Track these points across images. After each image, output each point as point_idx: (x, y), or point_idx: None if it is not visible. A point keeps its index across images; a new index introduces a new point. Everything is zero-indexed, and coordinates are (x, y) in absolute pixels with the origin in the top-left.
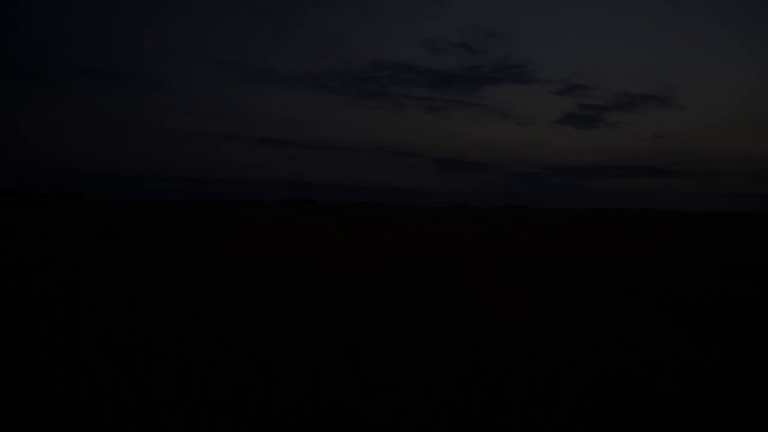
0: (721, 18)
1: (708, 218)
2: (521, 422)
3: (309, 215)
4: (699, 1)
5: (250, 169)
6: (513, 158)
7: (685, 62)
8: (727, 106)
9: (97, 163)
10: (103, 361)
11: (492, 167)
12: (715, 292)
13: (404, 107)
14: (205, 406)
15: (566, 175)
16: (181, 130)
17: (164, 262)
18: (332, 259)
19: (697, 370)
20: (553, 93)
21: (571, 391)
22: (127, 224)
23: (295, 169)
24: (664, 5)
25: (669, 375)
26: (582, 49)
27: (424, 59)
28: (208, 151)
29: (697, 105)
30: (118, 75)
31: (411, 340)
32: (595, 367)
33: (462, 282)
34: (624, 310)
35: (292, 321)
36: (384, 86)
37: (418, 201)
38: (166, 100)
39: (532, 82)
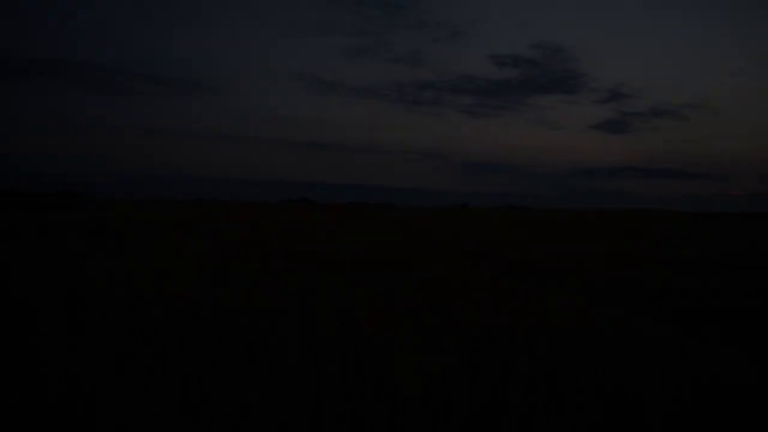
0: (758, 33)
1: (717, 218)
2: (521, 422)
3: (309, 215)
4: (738, 19)
5: (268, 170)
6: (540, 161)
7: (721, 73)
8: (757, 112)
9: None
10: (103, 360)
11: (516, 169)
12: (715, 292)
13: (450, 115)
14: (205, 406)
15: (587, 177)
16: (242, 135)
17: (164, 261)
18: (333, 258)
19: (697, 370)
20: (596, 102)
21: (571, 391)
22: (128, 224)
23: (302, 169)
24: (713, 26)
25: (669, 375)
26: (633, 62)
27: (488, 72)
28: (263, 155)
29: (729, 111)
30: (196, 85)
31: (411, 340)
32: (595, 367)
33: (462, 282)
34: (624, 310)
35: (292, 321)
36: (439, 95)
37: (434, 201)
38: (236, 108)
39: (579, 92)
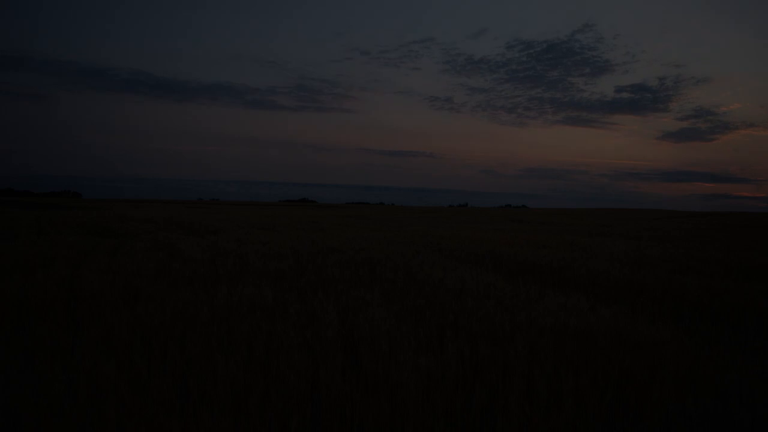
0: None
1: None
2: (521, 422)
3: (310, 213)
4: None
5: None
6: (592, 165)
7: None
8: None
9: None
10: (103, 361)
11: (565, 175)
12: (716, 292)
13: (533, 125)
14: (205, 406)
15: (630, 180)
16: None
17: (165, 261)
18: (333, 258)
19: (697, 370)
20: (674, 119)
21: (571, 391)
22: (128, 223)
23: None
24: None
25: (669, 375)
26: (721, 87)
27: (601, 96)
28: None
29: None
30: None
31: (411, 340)
32: (595, 367)
33: (462, 282)
34: (624, 310)
35: (292, 321)
36: (540, 113)
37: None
38: (358, 122)
39: (668, 110)
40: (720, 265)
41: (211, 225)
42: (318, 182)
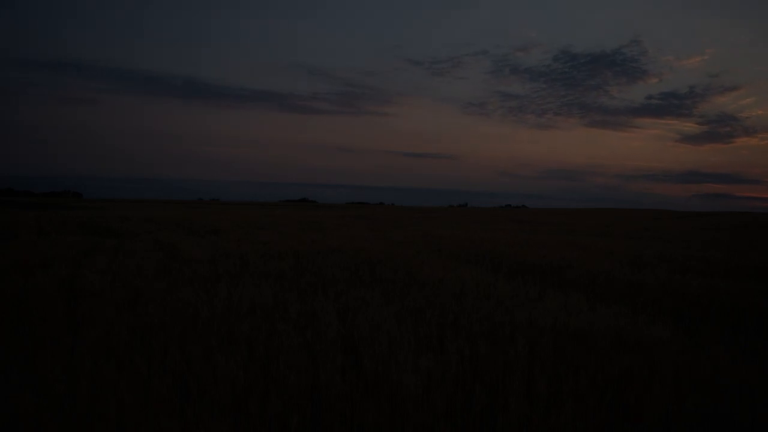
0: None
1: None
2: (521, 422)
3: (310, 213)
4: None
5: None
6: (605, 167)
7: None
8: None
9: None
10: (103, 361)
11: (579, 176)
12: (716, 292)
13: (559, 129)
14: (205, 406)
15: (641, 182)
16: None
17: (165, 261)
18: (334, 258)
19: (697, 370)
20: (696, 123)
21: (570, 391)
22: (128, 223)
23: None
24: None
25: (669, 375)
26: (747, 94)
27: (628, 101)
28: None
29: None
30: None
31: (411, 340)
32: (595, 367)
33: (462, 282)
34: (624, 310)
35: (292, 321)
36: (569, 116)
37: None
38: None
39: (692, 116)
40: (720, 265)
41: (211, 225)
42: (321, 183)
